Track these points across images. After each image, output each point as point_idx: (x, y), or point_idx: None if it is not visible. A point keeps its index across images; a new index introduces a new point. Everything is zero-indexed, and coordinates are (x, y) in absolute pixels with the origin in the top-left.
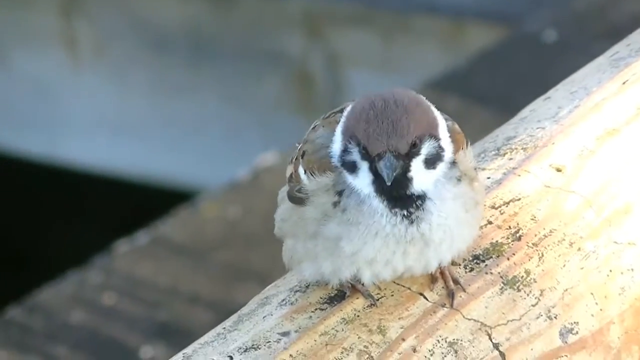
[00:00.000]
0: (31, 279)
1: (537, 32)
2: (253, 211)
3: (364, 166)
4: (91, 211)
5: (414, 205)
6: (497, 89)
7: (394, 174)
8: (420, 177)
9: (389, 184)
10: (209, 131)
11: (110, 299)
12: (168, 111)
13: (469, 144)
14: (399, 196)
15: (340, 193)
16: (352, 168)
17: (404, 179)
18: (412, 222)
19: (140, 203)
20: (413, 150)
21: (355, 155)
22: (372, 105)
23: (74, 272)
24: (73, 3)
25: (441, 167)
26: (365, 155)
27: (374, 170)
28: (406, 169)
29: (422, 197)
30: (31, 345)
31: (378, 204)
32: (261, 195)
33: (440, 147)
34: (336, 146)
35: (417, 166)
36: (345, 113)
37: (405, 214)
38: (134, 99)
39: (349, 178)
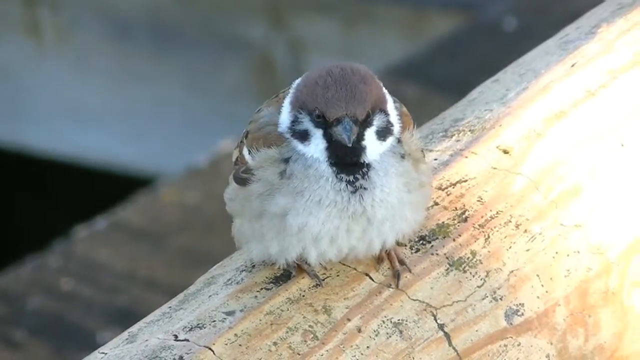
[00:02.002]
0: None
1: (498, 19)
2: (212, 197)
3: (317, 133)
4: (52, 196)
5: (360, 172)
6: (457, 76)
7: (354, 138)
8: (372, 147)
9: (350, 144)
10: (171, 118)
11: (68, 283)
12: (129, 98)
13: (416, 127)
14: (350, 163)
15: (286, 160)
16: (304, 137)
17: (358, 146)
18: (355, 191)
19: (102, 189)
20: (368, 119)
21: (306, 123)
22: (329, 73)
23: (33, 257)
24: None
25: (390, 140)
26: (320, 121)
27: (328, 137)
28: (361, 136)
29: (367, 166)
30: None
31: (326, 168)
32: (220, 181)
33: (389, 122)
34: (284, 117)
35: (370, 136)
36: (294, 85)
37: (351, 179)
38: (96, 85)
39: (300, 147)
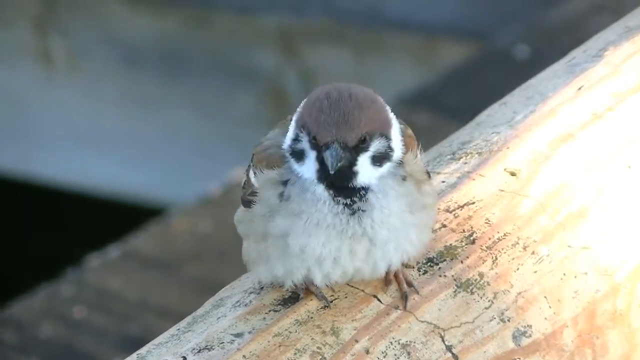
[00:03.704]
0: (2, 293)
1: (509, 47)
2: (224, 226)
3: (311, 155)
4: (63, 225)
5: (357, 195)
6: (468, 104)
7: (338, 165)
8: (366, 172)
9: (332, 172)
10: (182, 146)
11: (81, 312)
12: (141, 126)
13: (421, 148)
14: (342, 187)
15: (285, 183)
16: (300, 156)
17: (349, 171)
18: (353, 213)
19: (113, 217)
20: (361, 145)
21: (304, 143)
22: (327, 96)
23: (45, 286)
24: (48, 18)
25: (387, 166)
26: (314, 144)
27: (320, 160)
28: (353, 162)
29: (365, 189)
30: (2, 358)
31: (322, 192)
32: (232, 210)
33: (389, 147)
34: (289, 135)
35: (363, 161)
36: (302, 103)
37: (348, 202)
38: (107, 113)
39: (296, 166)
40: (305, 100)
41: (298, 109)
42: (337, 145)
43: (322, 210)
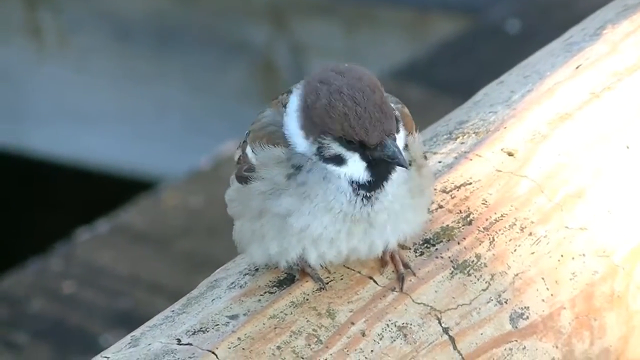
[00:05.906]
0: None
1: (501, 21)
2: (215, 200)
3: (354, 157)
4: (54, 199)
5: (381, 186)
6: (460, 78)
7: (403, 156)
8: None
9: (407, 167)
10: (173, 121)
11: (70, 287)
12: (132, 101)
13: (418, 130)
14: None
15: (298, 167)
16: (338, 161)
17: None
18: (368, 201)
19: (104, 192)
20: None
21: (337, 148)
22: (351, 97)
23: (35, 261)
24: None
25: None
26: (355, 146)
27: (366, 158)
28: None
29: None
30: None
31: (347, 187)
32: (223, 184)
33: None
34: (299, 142)
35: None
36: (294, 107)
37: (368, 195)
38: (98, 88)
39: (336, 169)
40: (300, 103)
41: (294, 113)
42: (390, 141)
43: (339, 199)
